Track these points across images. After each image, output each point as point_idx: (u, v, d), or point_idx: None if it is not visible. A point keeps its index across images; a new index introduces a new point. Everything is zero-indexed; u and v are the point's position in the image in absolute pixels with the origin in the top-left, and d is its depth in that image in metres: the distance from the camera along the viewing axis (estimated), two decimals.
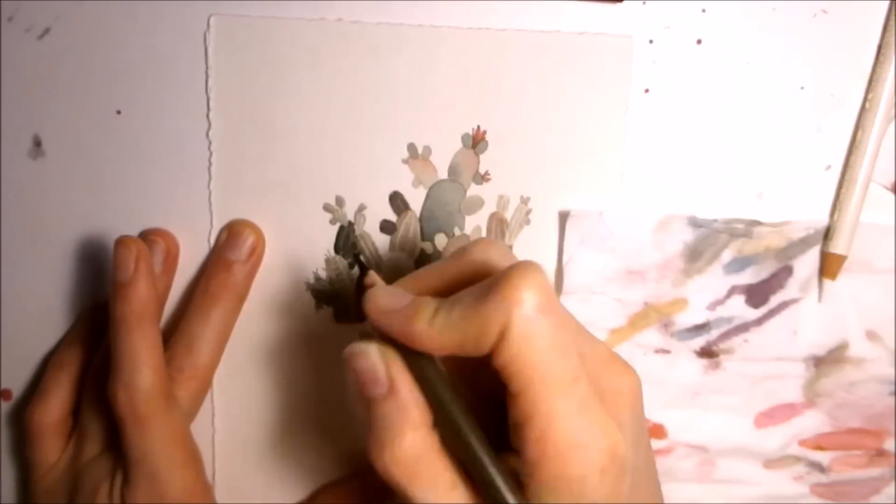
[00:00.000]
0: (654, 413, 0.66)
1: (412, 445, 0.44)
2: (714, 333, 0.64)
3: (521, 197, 0.60)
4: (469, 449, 0.44)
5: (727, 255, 0.62)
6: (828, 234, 0.62)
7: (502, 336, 0.43)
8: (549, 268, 0.62)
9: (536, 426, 0.43)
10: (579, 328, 0.49)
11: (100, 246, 0.60)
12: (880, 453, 0.68)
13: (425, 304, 0.45)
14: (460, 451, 0.45)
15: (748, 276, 0.63)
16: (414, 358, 0.46)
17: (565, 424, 0.43)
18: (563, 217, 0.61)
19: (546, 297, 0.44)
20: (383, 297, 0.48)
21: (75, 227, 0.60)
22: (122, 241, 0.55)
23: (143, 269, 0.55)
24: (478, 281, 0.45)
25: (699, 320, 0.64)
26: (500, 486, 0.44)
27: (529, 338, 0.43)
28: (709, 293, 0.63)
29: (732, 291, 0.63)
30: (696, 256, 0.62)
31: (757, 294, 0.63)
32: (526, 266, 0.44)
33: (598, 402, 0.44)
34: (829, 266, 0.62)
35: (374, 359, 0.46)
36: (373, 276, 0.49)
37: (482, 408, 0.47)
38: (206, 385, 0.60)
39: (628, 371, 0.48)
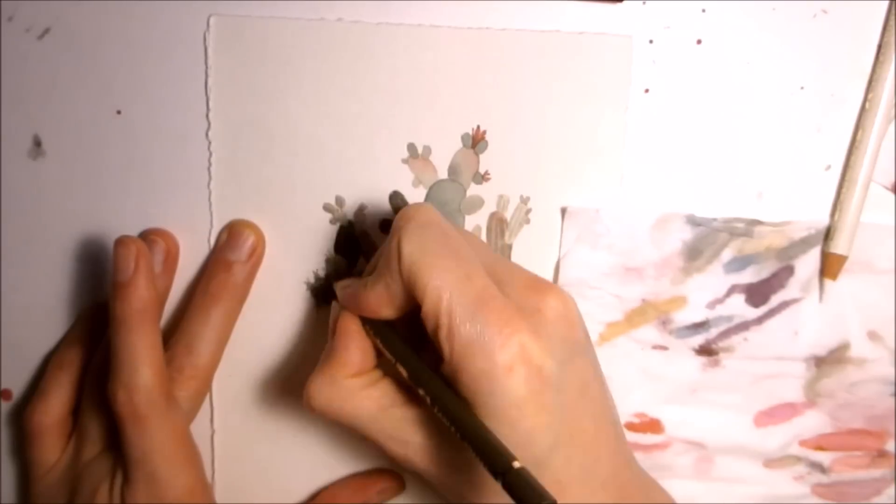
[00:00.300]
0: (651, 408, 0.66)
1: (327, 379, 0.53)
2: (713, 332, 0.64)
3: (521, 196, 0.60)
4: (412, 371, 0.50)
5: (727, 254, 0.62)
6: (828, 234, 0.62)
7: (399, 261, 0.49)
8: (550, 268, 0.62)
9: (442, 325, 0.48)
10: (497, 258, 0.54)
11: (100, 246, 0.60)
12: (881, 454, 0.68)
13: (364, 278, 0.54)
14: (410, 379, 0.51)
15: (748, 276, 0.63)
16: (375, 324, 0.53)
17: (464, 319, 0.47)
18: (563, 213, 0.61)
19: (427, 216, 0.52)
20: (345, 284, 0.56)
21: (75, 227, 0.60)
22: (121, 241, 0.55)
23: (142, 268, 0.55)
24: None
25: (698, 318, 0.64)
26: (429, 381, 0.49)
27: (415, 250, 0.49)
28: (708, 292, 0.63)
29: (732, 290, 0.63)
30: (695, 255, 0.62)
31: (757, 293, 0.63)
32: (413, 203, 0.54)
33: (503, 305, 0.48)
34: (829, 266, 0.62)
35: (334, 312, 0.55)
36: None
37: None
38: (206, 385, 0.60)
39: (551, 292, 0.51)
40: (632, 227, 0.61)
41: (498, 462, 0.43)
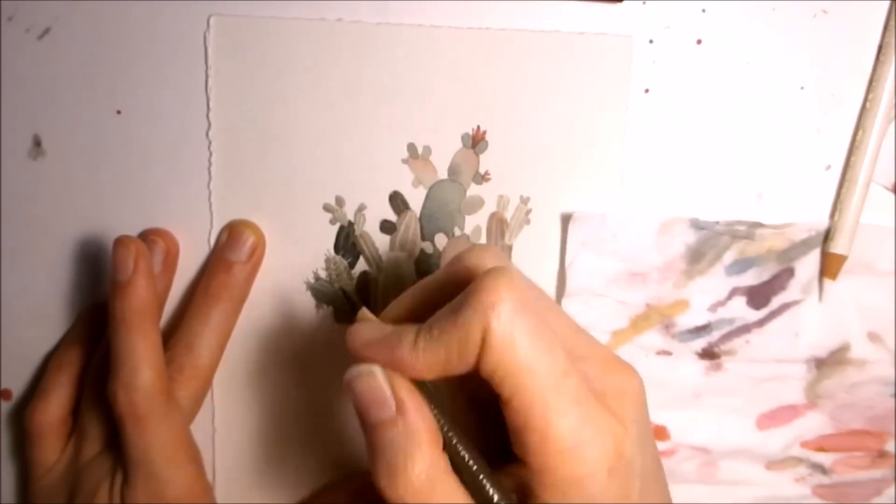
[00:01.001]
0: (656, 414, 0.65)
1: (425, 469, 0.43)
2: (715, 335, 0.64)
3: (521, 197, 0.60)
4: (467, 468, 0.44)
5: (729, 257, 0.62)
6: (828, 234, 0.62)
7: (483, 344, 0.42)
8: (550, 268, 0.62)
9: (535, 427, 0.42)
10: (575, 330, 0.48)
11: (100, 246, 0.60)
12: (882, 455, 0.68)
13: (406, 330, 0.45)
14: (460, 472, 0.44)
15: (750, 278, 0.63)
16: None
17: (564, 421, 0.42)
18: (566, 219, 0.61)
19: (521, 297, 0.43)
20: (366, 331, 0.46)
21: (75, 227, 0.60)
22: (120, 241, 0.55)
23: (142, 268, 0.55)
24: (458, 292, 0.45)
25: (700, 322, 0.64)
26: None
27: (510, 339, 0.42)
28: (710, 294, 0.63)
29: (734, 293, 0.63)
30: (697, 258, 0.62)
31: (758, 295, 0.63)
32: (497, 270, 0.44)
33: (596, 399, 0.44)
34: (829, 266, 0.62)
35: (380, 379, 0.44)
36: (364, 312, 0.48)
37: (485, 424, 0.47)
38: (206, 385, 0.60)
39: (630, 372, 0.47)
40: (637, 232, 0.61)
41: None
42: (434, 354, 0.43)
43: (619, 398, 0.46)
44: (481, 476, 0.44)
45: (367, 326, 0.47)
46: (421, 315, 0.46)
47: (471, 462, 0.44)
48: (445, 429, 0.44)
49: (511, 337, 0.42)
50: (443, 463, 0.43)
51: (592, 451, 0.43)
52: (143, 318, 0.55)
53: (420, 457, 0.43)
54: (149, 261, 0.56)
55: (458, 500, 0.43)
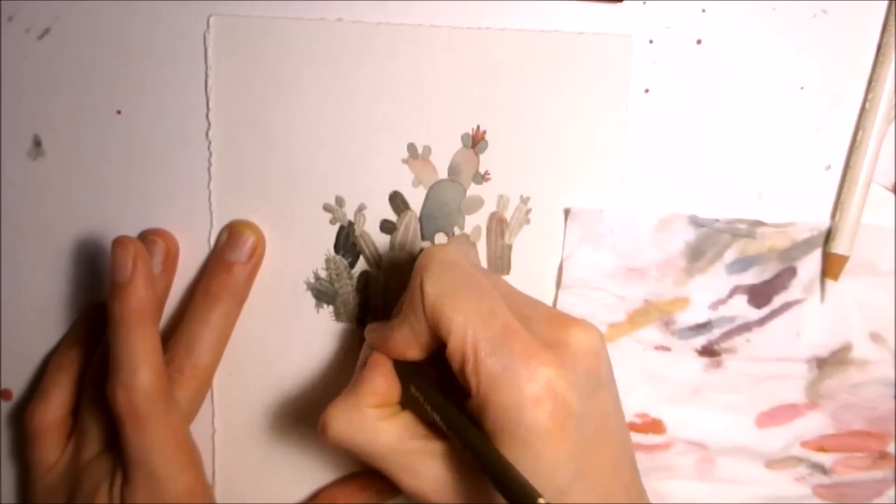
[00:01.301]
0: (652, 408, 0.66)
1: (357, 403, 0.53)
2: (716, 333, 0.64)
3: (521, 196, 0.60)
4: (438, 408, 0.51)
5: (730, 255, 0.62)
6: (829, 234, 0.62)
7: (423, 301, 0.50)
8: (551, 268, 0.62)
9: (468, 359, 0.49)
10: (521, 295, 0.55)
11: (100, 246, 0.60)
12: (883, 456, 0.68)
13: (392, 321, 0.54)
14: (436, 416, 0.51)
15: (751, 277, 0.63)
16: (403, 366, 0.54)
17: (490, 352, 0.48)
18: (565, 213, 0.61)
19: (447, 258, 0.52)
20: (372, 325, 0.57)
21: (75, 227, 0.60)
22: (119, 242, 0.55)
23: (140, 269, 0.55)
24: None
25: (700, 319, 0.64)
26: (458, 421, 0.49)
27: (438, 288, 0.50)
28: (711, 292, 0.63)
29: (735, 291, 0.63)
30: (698, 256, 0.62)
31: (760, 294, 0.63)
32: (429, 247, 0.56)
33: (528, 339, 0.48)
34: (831, 266, 0.62)
35: (364, 352, 0.56)
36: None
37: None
38: (206, 385, 0.60)
39: (579, 327, 0.51)
40: (635, 228, 0.61)
41: (523, 498, 0.43)
42: (401, 330, 0.53)
43: (560, 346, 0.50)
44: (443, 407, 0.51)
45: (375, 325, 0.57)
46: None
47: (439, 402, 0.51)
48: (424, 387, 0.52)
49: (438, 286, 0.50)
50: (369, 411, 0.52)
51: (518, 381, 0.47)
52: (142, 318, 0.55)
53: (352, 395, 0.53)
54: (148, 261, 0.56)
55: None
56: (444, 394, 0.52)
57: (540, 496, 0.43)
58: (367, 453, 0.52)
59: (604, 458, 0.51)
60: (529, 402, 0.47)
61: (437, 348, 0.52)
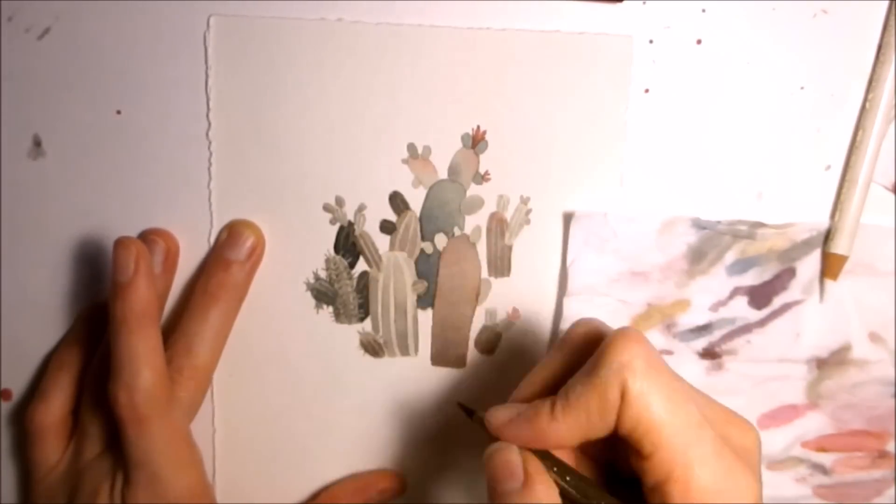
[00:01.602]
0: None
1: None
2: (716, 334, 0.64)
3: (521, 197, 0.60)
4: None
5: (730, 257, 0.62)
6: (829, 234, 0.62)
7: (622, 400, 0.45)
8: (551, 268, 0.62)
9: (678, 478, 0.44)
10: (695, 389, 0.49)
11: (100, 246, 0.60)
12: (882, 455, 0.68)
13: (541, 402, 0.48)
14: None
15: (751, 278, 0.63)
16: (547, 459, 0.48)
17: (705, 471, 0.44)
18: (566, 219, 0.61)
19: (652, 354, 0.46)
20: (503, 412, 0.50)
21: (75, 227, 0.60)
22: (121, 242, 0.55)
23: (142, 269, 0.55)
24: (584, 360, 0.48)
25: (702, 321, 0.64)
26: None
27: (647, 395, 0.45)
28: (711, 294, 0.63)
29: (735, 293, 0.63)
30: (699, 258, 0.62)
31: (760, 295, 0.63)
32: (625, 330, 0.47)
33: (732, 456, 0.45)
34: (830, 266, 0.62)
35: (514, 454, 0.48)
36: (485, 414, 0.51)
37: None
38: (205, 385, 0.60)
39: (749, 426, 0.49)
40: (638, 231, 0.61)
41: None
42: (575, 419, 0.46)
43: (747, 453, 0.47)
44: None
45: (503, 407, 0.50)
46: (550, 392, 0.50)
47: None
48: (589, 490, 0.48)
49: (648, 392, 0.45)
50: None
51: (732, 499, 0.44)
52: (144, 319, 0.55)
53: None
54: (149, 262, 0.56)
55: None
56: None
57: None
58: None
59: None
60: None
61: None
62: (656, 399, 0.45)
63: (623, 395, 0.45)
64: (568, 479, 0.48)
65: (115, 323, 0.55)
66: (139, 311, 0.55)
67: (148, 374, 0.54)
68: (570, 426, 0.47)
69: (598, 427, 0.46)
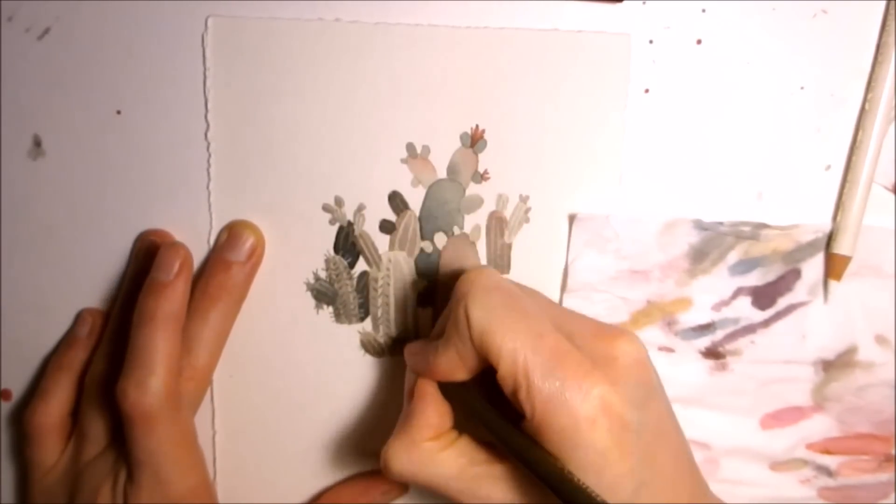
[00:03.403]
0: None
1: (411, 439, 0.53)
2: (719, 334, 0.64)
3: (521, 195, 0.60)
4: (494, 427, 0.51)
5: (733, 257, 0.62)
6: (831, 235, 0.62)
7: (469, 327, 0.50)
8: (551, 266, 0.62)
9: (521, 384, 0.49)
10: (563, 310, 0.56)
11: (100, 246, 0.61)
12: (888, 459, 0.68)
13: (434, 343, 0.54)
14: (493, 435, 0.51)
15: (754, 278, 0.63)
16: (451, 387, 0.54)
17: (542, 377, 0.48)
18: (566, 217, 0.61)
19: (489, 281, 0.53)
20: (410, 347, 0.58)
21: (75, 227, 0.60)
22: (170, 243, 0.58)
23: (184, 274, 0.57)
24: None
25: (703, 320, 0.63)
26: (512, 436, 0.50)
27: (484, 313, 0.50)
28: (714, 294, 0.63)
29: (738, 292, 0.63)
30: (701, 257, 0.62)
31: (763, 296, 0.63)
32: (468, 270, 0.54)
33: (578, 359, 0.49)
34: (833, 267, 0.62)
35: (410, 379, 0.56)
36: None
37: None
38: (204, 385, 0.60)
39: (623, 339, 0.52)
40: (639, 232, 0.61)
41: None
42: (447, 351, 0.52)
43: (609, 362, 0.50)
44: (501, 425, 0.51)
45: (415, 343, 0.58)
46: None
47: (496, 420, 0.51)
48: (478, 406, 0.53)
49: (483, 312, 0.50)
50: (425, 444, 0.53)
51: (573, 403, 0.47)
52: (171, 320, 0.56)
53: (406, 432, 0.53)
54: (191, 268, 0.58)
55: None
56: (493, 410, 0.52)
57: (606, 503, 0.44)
58: (432, 485, 0.53)
59: (665, 464, 0.51)
60: (586, 422, 0.47)
61: (484, 369, 0.52)
62: (491, 318, 0.50)
63: (468, 321, 0.50)
64: (469, 406, 0.53)
65: (142, 318, 0.56)
66: (169, 312, 0.56)
67: (162, 373, 0.55)
68: (448, 358, 0.52)
69: (469, 356, 0.51)
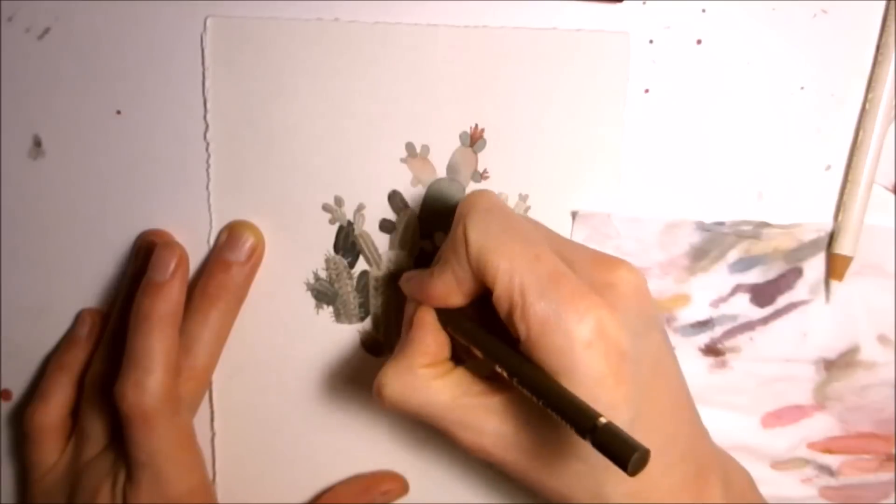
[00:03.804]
0: None
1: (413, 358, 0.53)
2: (717, 330, 0.64)
3: (520, 195, 0.60)
4: (487, 349, 0.51)
5: (733, 255, 0.62)
6: (833, 234, 0.62)
7: (466, 248, 0.50)
8: None
9: (516, 304, 0.48)
10: (563, 239, 0.56)
11: (100, 246, 0.61)
12: (890, 458, 0.68)
13: (430, 268, 0.54)
14: (486, 356, 0.51)
15: (754, 276, 0.63)
16: (445, 313, 0.54)
17: (538, 295, 0.47)
18: (572, 215, 0.61)
19: (489, 203, 0.52)
20: (406, 273, 0.58)
21: (75, 227, 0.60)
22: (166, 243, 0.57)
23: (180, 273, 0.57)
24: None
25: (702, 316, 0.63)
26: (506, 355, 0.49)
27: (481, 234, 0.50)
28: (711, 290, 0.63)
29: (737, 290, 0.63)
30: (701, 255, 0.62)
31: (763, 293, 0.63)
32: (469, 193, 0.56)
33: (575, 282, 0.48)
34: (835, 267, 0.62)
35: (411, 307, 0.56)
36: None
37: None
38: (203, 385, 0.60)
39: (622, 267, 0.51)
40: (641, 232, 0.61)
41: (584, 420, 0.43)
42: (443, 277, 0.52)
43: (608, 288, 0.49)
44: (497, 347, 0.50)
45: (411, 273, 0.58)
46: None
47: (489, 343, 0.51)
48: (474, 331, 0.52)
49: (482, 232, 0.50)
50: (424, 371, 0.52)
51: (569, 324, 0.46)
52: (167, 320, 0.56)
53: (403, 358, 0.53)
54: (188, 267, 0.58)
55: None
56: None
57: (600, 416, 0.43)
58: (424, 414, 0.52)
59: (662, 399, 0.51)
60: (581, 345, 0.46)
61: (480, 295, 0.52)
62: (489, 238, 0.50)
63: (466, 241, 0.50)
64: (464, 330, 0.53)
65: (138, 319, 0.56)
66: (165, 312, 0.56)
67: (160, 373, 0.55)
68: (444, 280, 0.52)
69: (466, 278, 0.51)
